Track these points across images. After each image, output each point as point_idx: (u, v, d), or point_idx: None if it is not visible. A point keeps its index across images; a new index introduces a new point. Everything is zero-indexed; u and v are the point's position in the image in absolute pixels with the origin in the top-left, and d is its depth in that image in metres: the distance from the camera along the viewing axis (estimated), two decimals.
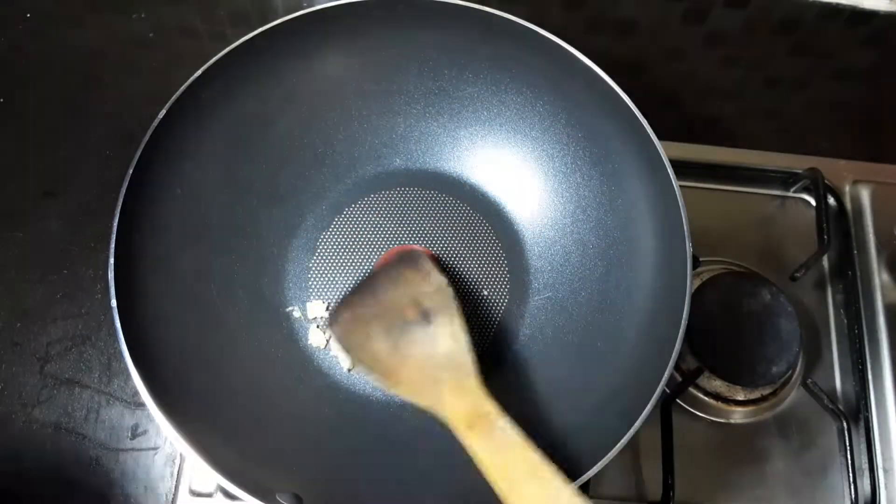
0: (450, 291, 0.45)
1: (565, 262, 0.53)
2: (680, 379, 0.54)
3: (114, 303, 0.40)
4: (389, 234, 0.55)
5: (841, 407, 0.54)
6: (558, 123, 0.53)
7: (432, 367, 0.41)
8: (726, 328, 0.54)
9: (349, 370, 0.51)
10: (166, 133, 0.45)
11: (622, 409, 0.42)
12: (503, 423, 0.38)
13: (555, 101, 0.53)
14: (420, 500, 0.44)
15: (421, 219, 0.56)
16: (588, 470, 0.39)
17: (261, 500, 0.37)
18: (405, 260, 0.49)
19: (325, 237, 0.55)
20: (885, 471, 0.53)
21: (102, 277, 0.56)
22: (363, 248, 0.55)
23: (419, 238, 0.55)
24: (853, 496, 0.52)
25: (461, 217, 0.56)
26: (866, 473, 0.53)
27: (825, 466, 0.54)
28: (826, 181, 0.61)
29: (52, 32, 0.68)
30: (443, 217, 0.56)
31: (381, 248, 0.55)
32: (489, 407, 0.39)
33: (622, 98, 0.47)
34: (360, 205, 0.56)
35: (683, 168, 0.61)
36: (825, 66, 0.72)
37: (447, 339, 0.43)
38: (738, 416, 0.55)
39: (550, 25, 0.48)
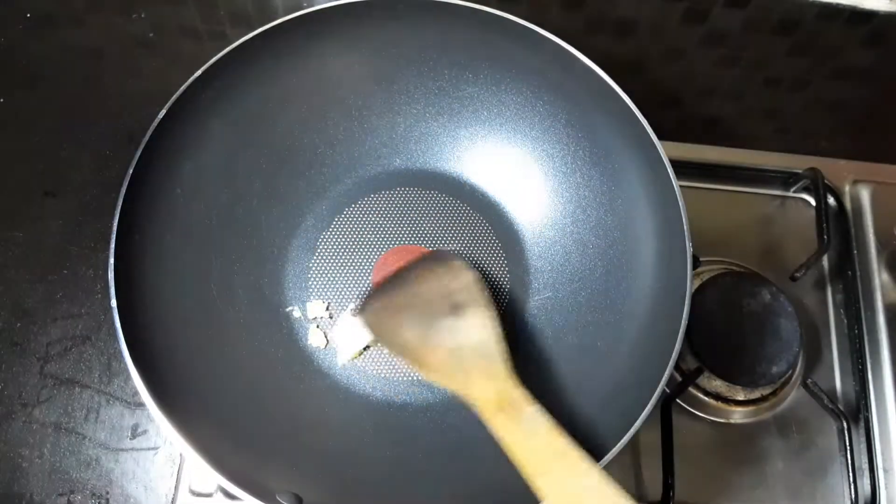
0: (480, 286, 0.46)
1: (565, 262, 0.53)
2: (680, 379, 0.54)
3: (114, 303, 0.40)
4: (389, 234, 0.55)
5: (841, 407, 0.54)
6: (558, 123, 0.53)
7: (462, 356, 0.43)
8: (726, 328, 0.54)
9: (345, 364, 0.51)
10: (166, 133, 0.45)
11: (622, 409, 0.42)
12: (532, 409, 0.38)
13: (555, 101, 0.53)
14: (420, 499, 0.44)
15: (421, 219, 0.56)
16: None
17: (261, 500, 0.37)
18: (436, 257, 0.51)
19: (325, 237, 0.55)
20: (885, 471, 0.53)
21: (102, 277, 0.56)
22: (363, 248, 0.55)
23: (419, 238, 0.55)
24: (853, 496, 0.52)
25: (461, 217, 0.56)
26: (866, 473, 0.53)
27: (825, 466, 0.54)
28: (826, 181, 0.61)
29: (52, 32, 0.68)
30: (443, 217, 0.56)
31: (381, 248, 0.55)
32: (518, 393, 0.40)
33: (622, 98, 0.47)
34: (360, 205, 0.56)
35: (683, 168, 0.61)
36: (825, 66, 0.72)
37: (477, 330, 0.44)
38: (738, 416, 0.55)
39: (550, 25, 0.48)
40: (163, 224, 0.46)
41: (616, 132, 0.49)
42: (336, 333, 0.52)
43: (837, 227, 0.62)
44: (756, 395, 0.55)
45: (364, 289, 0.54)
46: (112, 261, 0.41)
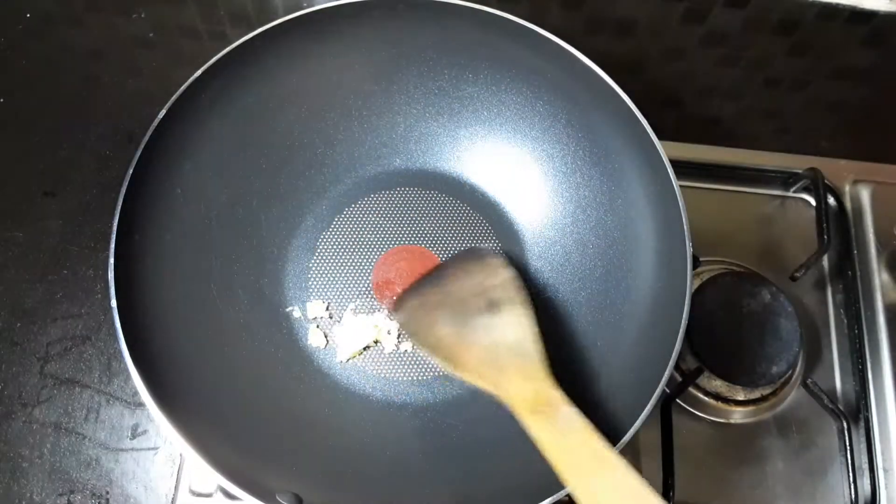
0: (517, 284, 0.46)
1: (565, 262, 0.53)
2: (680, 379, 0.54)
3: (114, 303, 0.40)
4: (389, 234, 0.55)
5: (841, 407, 0.54)
6: (558, 123, 0.53)
7: (497, 354, 0.42)
8: (726, 328, 0.54)
9: (344, 362, 0.51)
10: (166, 133, 0.45)
11: (622, 409, 0.42)
12: (568, 410, 0.38)
13: (555, 101, 0.53)
14: (420, 500, 0.44)
15: (421, 219, 0.56)
16: None
17: (261, 500, 0.37)
18: (472, 254, 0.51)
19: (325, 237, 0.55)
20: (885, 471, 0.53)
21: (102, 277, 0.56)
22: (363, 248, 0.55)
23: (419, 238, 0.55)
24: (853, 496, 0.52)
25: (461, 217, 0.56)
26: (866, 473, 0.53)
27: (825, 466, 0.54)
28: (826, 181, 0.61)
29: (52, 32, 0.68)
30: (443, 217, 0.56)
31: (381, 248, 0.55)
32: (554, 393, 0.39)
33: (622, 98, 0.47)
34: (360, 205, 0.56)
35: (683, 168, 0.61)
36: (825, 66, 0.72)
37: (513, 328, 0.43)
38: (738, 416, 0.55)
39: (550, 25, 0.48)
40: (163, 224, 0.46)
41: (616, 132, 0.49)
42: (338, 332, 0.52)
43: (837, 227, 0.62)
44: (756, 395, 0.55)
45: (364, 289, 0.54)
46: (112, 261, 0.41)
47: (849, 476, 0.52)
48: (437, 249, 0.55)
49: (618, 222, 0.51)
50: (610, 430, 0.40)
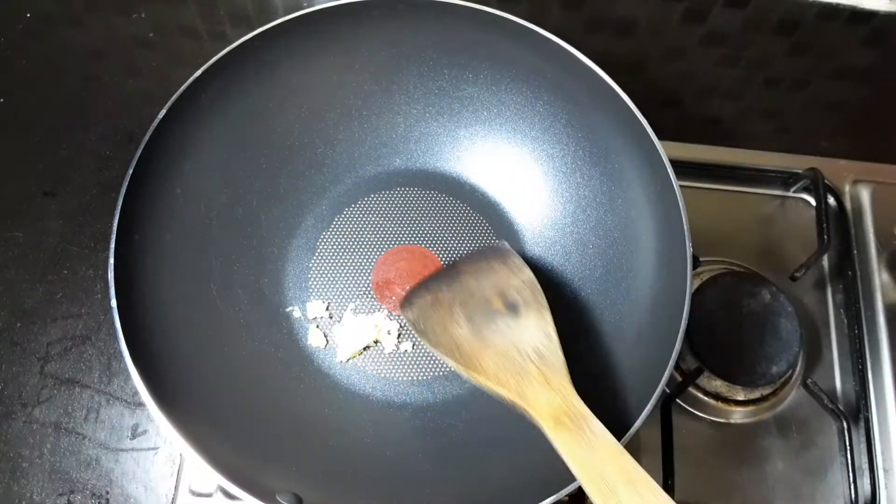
0: (538, 288, 0.44)
1: (565, 262, 0.53)
2: (680, 379, 0.54)
3: (114, 303, 0.40)
4: (389, 234, 0.55)
5: (841, 407, 0.54)
6: (558, 123, 0.53)
7: (518, 358, 0.40)
8: (726, 328, 0.54)
9: (344, 362, 0.51)
10: (166, 133, 0.45)
11: (622, 409, 0.42)
12: (594, 424, 0.36)
13: (555, 101, 0.53)
14: (420, 500, 0.44)
15: (421, 219, 0.56)
16: None
17: (261, 500, 0.37)
18: (492, 251, 0.48)
19: (325, 237, 0.55)
20: (885, 471, 0.53)
21: (102, 277, 0.56)
22: (363, 248, 0.55)
23: (419, 238, 0.55)
24: (853, 496, 0.52)
25: (461, 217, 0.56)
26: (866, 473, 0.53)
27: (825, 466, 0.54)
28: (826, 181, 0.61)
29: (52, 32, 0.68)
30: (443, 217, 0.56)
31: (381, 248, 0.55)
32: (579, 406, 0.37)
33: (622, 98, 0.47)
34: (360, 205, 0.56)
35: (683, 168, 0.61)
36: (825, 66, 0.72)
37: (537, 332, 0.41)
38: (738, 416, 0.55)
39: (550, 25, 0.48)
40: (163, 224, 0.46)
41: (616, 132, 0.49)
42: (338, 332, 0.52)
43: (837, 227, 0.62)
44: (756, 395, 0.55)
45: (364, 289, 0.54)
46: (112, 261, 0.41)
47: (849, 476, 0.52)
48: (437, 249, 0.55)
49: (618, 222, 0.51)
50: (610, 429, 0.40)
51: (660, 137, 0.45)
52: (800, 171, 0.62)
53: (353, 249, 0.55)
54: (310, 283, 0.54)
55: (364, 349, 0.52)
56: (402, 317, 0.49)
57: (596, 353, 0.49)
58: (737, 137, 0.67)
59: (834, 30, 0.74)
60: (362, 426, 0.49)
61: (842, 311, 0.59)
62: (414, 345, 0.52)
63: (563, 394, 0.38)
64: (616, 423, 0.41)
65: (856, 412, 0.56)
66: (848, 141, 0.68)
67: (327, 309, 0.53)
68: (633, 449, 0.52)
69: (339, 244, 0.55)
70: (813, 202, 0.62)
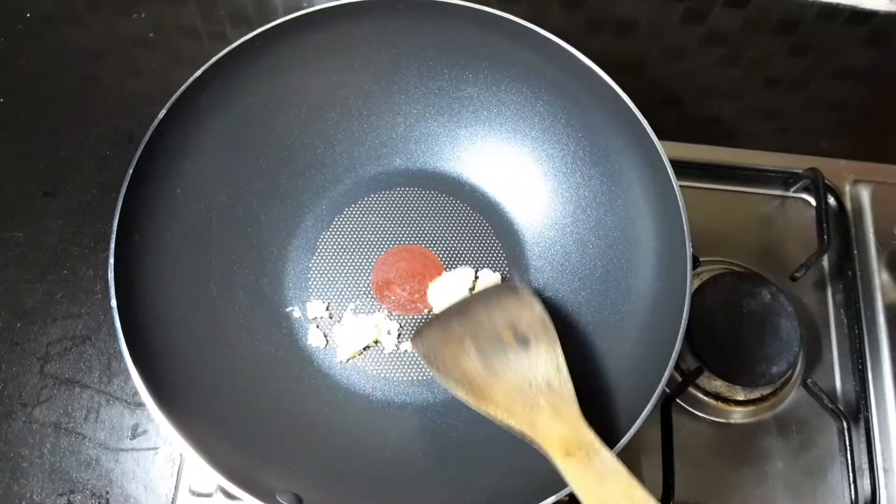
0: (549, 323, 0.44)
1: (565, 262, 0.53)
2: (680, 379, 0.54)
3: (114, 303, 0.40)
4: (389, 234, 0.55)
5: (841, 407, 0.54)
6: (558, 123, 0.53)
7: (529, 390, 0.41)
8: (726, 328, 0.54)
9: (343, 362, 0.51)
10: (166, 133, 0.45)
11: (622, 410, 0.42)
12: (604, 454, 0.37)
13: (555, 101, 0.53)
14: (420, 500, 0.44)
15: (421, 219, 0.56)
16: None
17: (261, 500, 0.37)
18: (504, 288, 0.49)
19: (325, 237, 0.55)
20: (885, 471, 0.53)
21: (102, 277, 0.56)
22: (363, 248, 0.55)
23: (419, 238, 0.55)
24: (853, 496, 0.52)
25: (461, 217, 0.56)
26: (866, 473, 0.53)
27: (825, 466, 0.54)
28: (826, 181, 0.61)
29: (52, 32, 0.68)
30: (443, 217, 0.56)
31: (381, 248, 0.55)
32: (589, 436, 0.38)
33: (622, 98, 0.47)
34: (360, 205, 0.56)
35: (683, 168, 0.61)
36: (825, 66, 0.72)
37: (547, 364, 0.42)
38: (738, 416, 0.55)
39: (550, 25, 0.48)
40: (163, 224, 0.46)
41: (616, 132, 0.49)
42: (338, 332, 0.52)
43: (837, 227, 0.62)
44: (756, 395, 0.55)
45: (364, 289, 0.54)
46: (112, 261, 0.41)
47: (849, 476, 0.52)
48: (437, 249, 0.55)
49: (618, 222, 0.51)
50: (610, 429, 0.40)
51: (660, 137, 0.45)
52: (800, 171, 0.62)
53: (353, 249, 0.55)
54: (310, 283, 0.54)
55: (364, 349, 0.52)
56: (415, 349, 0.49)
57: (596, 353, 0.49)
58: (737, 137, 0.67)
59: (834, 30, 0.74)
60: (362, 426, 0.49)
61: (842, 311, 0.59)
62: (436, 378, 0.52)
63: (573, 425, 0.38)
64: (616, 423, 0.41)
65: (856, 412, 0.56)
66: (848, 141, 0.68)
67: (327, 309, 0.53)
68: (634, 449, 0.52)
69: (339, 244, 0.55)
70: (813, 202, 0.62)
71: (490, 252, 0.55)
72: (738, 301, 0.55)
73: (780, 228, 0.62)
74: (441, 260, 0.55)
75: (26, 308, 0.55)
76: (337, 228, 0.55)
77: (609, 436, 0.40)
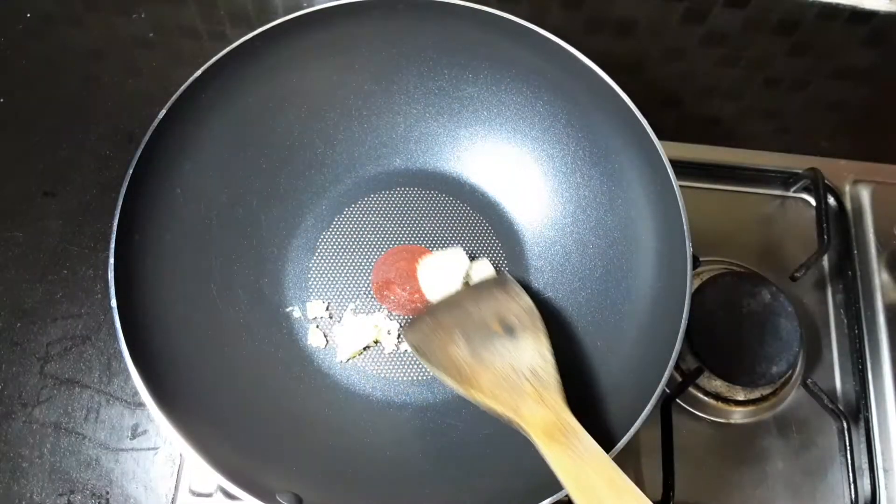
0: (537, 314, 0.46)
1: (565, 262, 0.53)
2: (680, 379, 0.54)
3: (114, 303, 0.40)
4: (389, 234, 0.55)
5: (841, 407, 0.54)
6: (558, 123, 0.53)
7: (515, 377, 0.42)
8: (726, 328, 0.54)
9: (343, 362, 0.51)
10: (166, 133, 0.45)
11: (622, 409, 0.42)
12: (584, 438, 0.38)
13: (555, 101, 0.53)
14: (420, 499, 0.44)
15: (421, 219, 0.56)
16: None
17: (261, 500, 0.37)
18: (494, 282, 0.50)
19: (325, 237, 0.55)
20: (885, 471, 0.53)
21: (102, 277, 0.56)
22: (363, 248, 0.55)
23: (419, 238, 0.55)
24: (853, 496, 0.52)
25: (461, 217, 0.56)
26: (866, 473, 0.53)
27: (825, 466, 0.54)
28: (826, 181, 0.61)
29: (52, 32, 0.68)
30: (443, 217, 0.56)
31: (381, 248, 0.55)
32: (571, 422, 0.39)
33: (622, 98, 0.47)
34: (360, 205, 0.56)
35: (683, 168, 0.61)
36: (825, 66, 0.72)
37: (532, 354, 0.43)
38: (738, 416, 0.55)
39: (550, 25, 0.48)
40: (163, 224, 0.46)
41: (616, 132, 0.49)
42: (338, 332, 0.52)
43: (837, 227, 0.62)
44: (756, 395, 0.55)
45: (364, 289, 0.54)
46: (112, 261, 0.41)
47: (849, 476, 0.52)
48: (437, 249, 0.55)
49: (618, 222, 0.51)
50: (610, 429, 0.41)
51: (660, 137, 0.45)
52: (800, 171, 0.62)
53: (353, 249, 0.55)
54: (310, 283, 0.54)
55: (364, 349, 0.52)
56: (405, 340, 0.51)
57: (596, 353, 0.49)
58: (737, 137, 0.67)
59: (834, 30, 0.74)
60: (362, 426, 0.49)
61: (842, 311, 0.59)
62: (425, 366, 0.52)
63: (556, 410, 0.40)
64: (616, 423, 0.41)
65: (856, 412, 0.56)
66: (848, 141, 0.68)
67: (327, 309, 0.53)
68: (634, 449, 0.52)
69: (339, 244, 0.55)
70: (813, 202, 0.62)
71: (490, 252, 0.55)
72: (738, 301, 0.55)
73: (780, 228, 0.62)
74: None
75: (26, 308, 0.55)
76: (337, 228, 0.55)
77: (609, 436, 0.40)
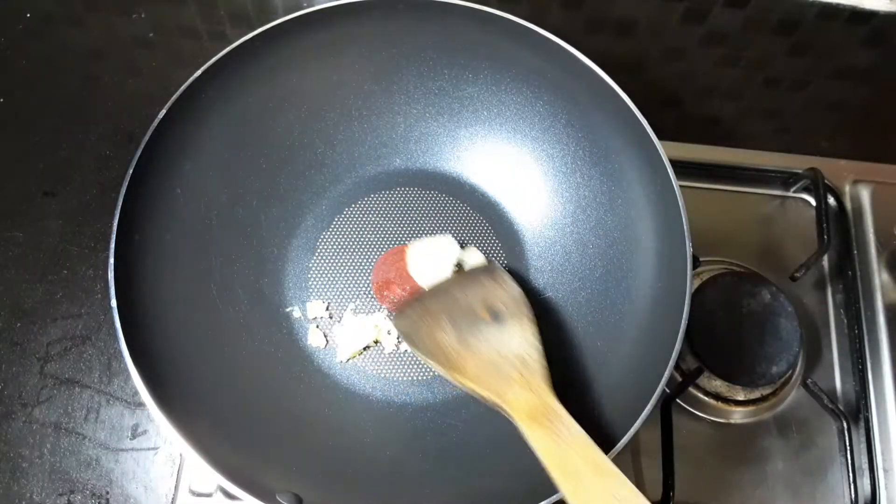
0: (524, 301, 0.46)
1: (565, 262, 0.53)
2: (680, 379, 0.54)
3: (114, 303, 0.40)
4: (389, 234, 0.55)
5: (841, 407, 0.54)
6: (558, 123, 0.53)
7: (501, 363, 0.42)
8: (726, 328, 0.54)
9: (344, 362, 0.51)
10: (166, 133, 0.45)
11: (622, 409, 0.42)
12: (569, 422, 0.38)
13: (555, 101, 0.53)
14: (420, 500, 0.44)
15: (421, 219, 0.56)
16: None
17: (261, 500, 0.37)
18: (482, 270, 0.51)
19: (325, 237, 0.55)
20: (885, 471, 0.53)
21: (102, 277, 0.56)
22: (363, 248, 0.55)
23: (419, 238, 0.55)
24: (853, 496, 0.52)
25: (461, 217, 0.56)
26: (866, 473, 0.53)
27: (825, 466, 0.54)
28: (826, 181, 0.61)
29: (52, 32, 0.68)
30: (443, 217, 0.56)
31: (381, 248, 0.55)
32: (556, 406, 0.39)
33: (622, 98, 0.47)
34: (360, 205, 0.56)
35: (683, 168, 0.61)
36: (825, 66, 0.72)
37: (519, 340, 0.43)
38: (738, 416, 0.55)
39: (550, 25, 0.48)
40: (163, 224, 0.46)
41: (616, 132, 0.49)
42: (338, 332, 0.52)
43: (837, 227, 0.62)
44: (756, 395, 0.55)
45: (364, 289, 0.54)
46: (112, 261, 0.41)
47: (849, 476, 0.52)
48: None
49: (618, 222, 0.51)
50: (610, 429, 0.41)
51: (660, 137, 0.45)
52: (800, 171, 0.62)
53: (353, 249, 0.55)
54: (310, 283, 0.54)
55: (364, 349, 0.52)
56: (394, 326, 0.52)
57: (596, 353, 0.49)
58: (737, 137, 0.67)
59: (834, 30, 0.74)
60: (362, 426, 0.49)
61: (842, 311, 0.59)
62: (412, 351, 0.52)
63: (541, 395, 0.40)
64: (616, 423, 0.41)
65: (856, 412, 0.56)
66: (848, 141, 0.68)
67: (327, 309, 0.53)
68: (634, 449, 0.52)
69: (339, 244, 0.55)
70: (813, 202, 0.62)
71: (490, 252, 0.55)
72: (738, 301, 0.55)
73: (780, 228, 0.62)
74: None
75: (26, 308, 0.55)
76: (337, 228, 0.55)
77: (609, 436, 0.40)
